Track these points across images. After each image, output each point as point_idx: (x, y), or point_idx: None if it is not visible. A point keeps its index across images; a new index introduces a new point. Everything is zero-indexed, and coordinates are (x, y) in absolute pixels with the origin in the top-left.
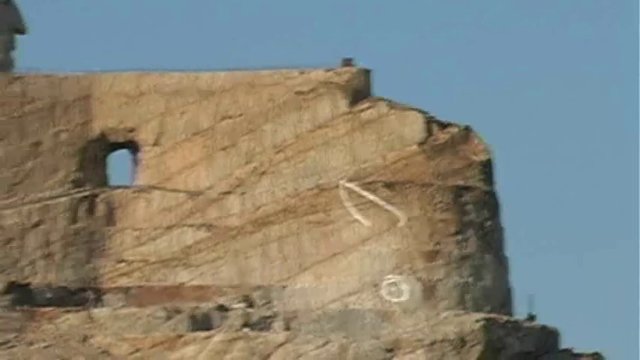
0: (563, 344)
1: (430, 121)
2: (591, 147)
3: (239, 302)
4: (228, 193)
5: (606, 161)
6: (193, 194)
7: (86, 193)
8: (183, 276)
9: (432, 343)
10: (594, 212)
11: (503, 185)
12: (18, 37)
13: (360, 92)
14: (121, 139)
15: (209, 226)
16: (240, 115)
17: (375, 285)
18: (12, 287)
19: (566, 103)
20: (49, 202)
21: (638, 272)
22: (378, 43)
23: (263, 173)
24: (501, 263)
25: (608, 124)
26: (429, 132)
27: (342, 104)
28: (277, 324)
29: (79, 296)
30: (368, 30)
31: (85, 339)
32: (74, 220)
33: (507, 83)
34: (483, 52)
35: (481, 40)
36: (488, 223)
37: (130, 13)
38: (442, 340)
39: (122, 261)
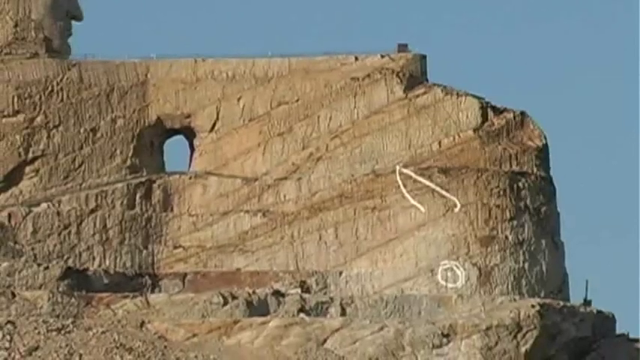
0: (619, 329)
1: (485, 107)
2: None
3: (295, 288)
4: (284, 178)
5: None
6: (249, 180)
7: (143, 179)
8: (239, 261)
9: (488, 329)
10: None
11: (558, 171)
12: (74, 23)
13: (415, 78)
14: (177, 125)
15: (265, 212)
16: (296, 100)
17: (431, 270)
18: (69, 273)
19: (619, 89)
20: (106, 188)
21: None
22: (433, 28)
23: (319, 159)
24: (557, 248)
25: None
26: (485, 117)
27: (398, 90)
28: (333, 309)
29: (136, 282)
30: (423, 15)
31: (142, 324)
32: (131, 205)
33: (562, 69)
34: (538, 38)
35: (536, 27)
36: (544, 208)
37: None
38: (498, 326)
39: (179, 247)
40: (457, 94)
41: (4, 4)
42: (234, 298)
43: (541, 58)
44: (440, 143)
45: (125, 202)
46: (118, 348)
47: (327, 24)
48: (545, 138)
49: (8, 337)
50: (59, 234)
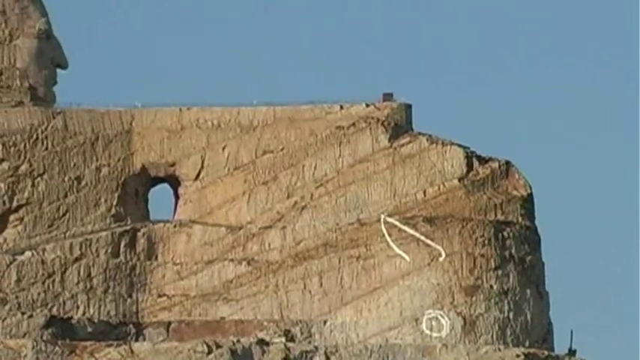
0: None
1: (470, 156)
2: (632, 182)
3: (280, 336)
4: (269, 227)
5: None
6: (234, 229)
7: (127, 228)
8: (223, 310)
9: None
10: (636, 247)
11: (543, 220)
12: (59, 71)
13: (400, 127)
14: (162, 174)
15: (250, 261)
16: (281, 149)
17: (416, 319)
18: (53, 321)
19: (606, 138)
20: (90, 237)
21: None
22: (418, 77)
23: (304, 208)
24: (542, 298)
25: None
26: (470, 167)
27: (383, 139)
28: (318, 358)
29: (120, 330)
30: (408, 65)
31: None
32: (115, 254)
33: (547, 119)
34: (523, 87)
35: (521, 76)
36: (529, 257)
37: (169, 48)
38: None
39: (163, 295)
40: (442, 143)
41: None
42: (218, 347)
43: (526, 108)
44: (425, 192)
45: (109, 250)
46: None
47: (312, 73)
48: (530, 187)
49: None
50: (43, 282)
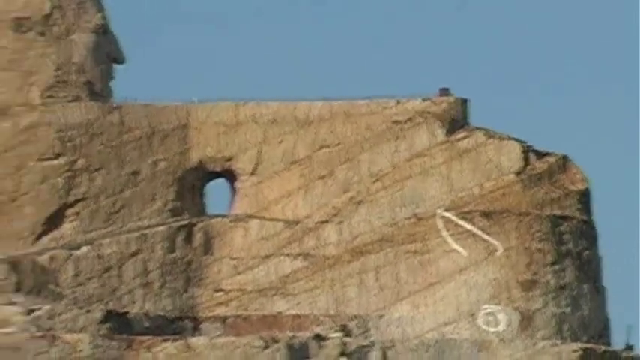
0: None
1: (527, 151)
2: None
3: (336, 331)
4: (326, 222)
5: None
6: (291, 223)
7: (184, 222)
8: (280, 305)
9: None
10: None
11: (600, 214)
12: (116, 67)
13: (457, 121)
14: (218, 169)
15: (306, 255)
16: (338, 144)
17: (472, 314)
18: (110, 316)
19: None
20: (147, 231)
21: None
22: (474, 72)
23: (360, 202)
24: (599, 293)
25: None
26: (526, 161)
27: (439, 133)
28: (374, 353)
29: (177, 325)
30: (464, 59)
31: None
32: (172, 249)
33: (605, 112)
34: (581, 81)
35: (577, 70)
36: (586, 252)
37: (225, 43)
38: None
39: (219, 290)
40: (499, 137)
41: (46, 48)
42: (275, 341)
43: (583, 102)
44: (481, 187)
45: (166, 245)
46: None
47: (369, 67)
48: (588, 182)
49: None
50: (100, 277)
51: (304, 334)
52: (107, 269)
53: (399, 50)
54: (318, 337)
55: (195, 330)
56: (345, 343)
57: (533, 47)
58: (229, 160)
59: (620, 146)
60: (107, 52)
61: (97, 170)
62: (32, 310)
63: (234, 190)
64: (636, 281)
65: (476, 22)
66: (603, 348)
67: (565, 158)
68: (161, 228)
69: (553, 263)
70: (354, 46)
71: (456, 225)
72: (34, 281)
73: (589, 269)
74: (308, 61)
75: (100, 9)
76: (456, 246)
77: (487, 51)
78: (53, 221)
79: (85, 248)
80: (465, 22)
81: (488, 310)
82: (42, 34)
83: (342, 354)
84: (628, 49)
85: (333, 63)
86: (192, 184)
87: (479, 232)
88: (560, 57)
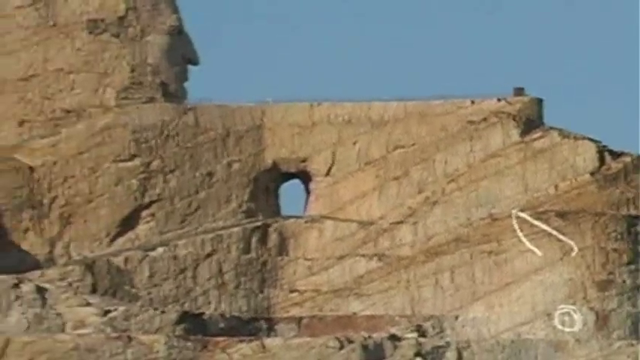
0: None
1: (602, 150)
2: None
3: (411, 332)
4: (400, 222)
5: None
6: (365, 224)
7: (258, 223)
8: (355, 306)
9: None
10: None
11: None
12: (190, 68)
13: (531, 121)
14: (293, 169)
15: (381, 256)
16: (412, 144)
17: (548, 315)
18: (185, 317)
19: None
20: (221, 232)
21: None
22: (549, 72)
23: (435, 203)
24: None
25: None
26: (602, 161)
27: (514, 133)
28: (450, 353)
29: (252, 326)
30: (539, 59)
31: None
32: (247, 249)
33: None
34: None
35: None
36: None
37: (299, 44)
38: None
39: (294, 291)
40: (574, 137)
41: (121, 49)
42: (350, 342)
43: None
44: (557, 187)
45: (241, 246)
46: None
47: (443, 67)
48: None
49: None
50: (175, 278)
51: (379, 335)
52: (182, 270)
53: (474, 50)
54: (394, 338)
55: (271, 331)
56: (420, 344)
57: (608, 46)
58: (304, 161)
59: None
60: (182, 53)
61: (171, 171)
62: (108, 312)
63: (308, 191)
64: None
65: (550, 21)
66: None
67: None
68: (236, 229)
69: (629, 263)
70: (428, 46)
71: (531, 225)
72: (110, 282)
73: None
74: (382, 62)
75: (175, 10)
76: (531, 246)
77: (562, 50)
78: (128, 222)
79: (160, 249)
80: (539, 22)
81: (564, 310)
82: (117, 35)
83: (418, 354)
84: None
85: (407, 63)
86: (267, 185)
87: (554, 232)
88: (635, 55)
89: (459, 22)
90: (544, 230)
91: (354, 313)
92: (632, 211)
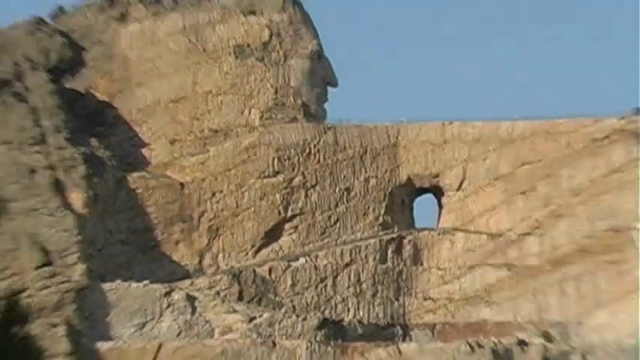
0: None
1: None
2: None
3: (538, 337)
4: (528, 234)
5: None
6: (494, 236)
7: (394, 235)
8: (485, 312)
9: None
10: None
11: None
12: (330, 89)
13: None
14: (426, 185)
15: (509, 266)
16: (539, 161)
17: None
18: (326, 323)
19: None
20: (359, 244)
21: None
22: None
23: (560, 216)
24: None
25: None
26: None
27: (635, 150)
28: (575, 357)
29: (388, 331)
30: None
31: None
32: (383, 260)
33: None
34: None
35: None
36: None
37: (432, 66)
38: None
39: (428, 298)
40: None
41: (265, 73)
42: (480, 347)
43: None
44: None
45: (378, 256)
46: None
47: (568, 88)
48: None
49: None
50: (316, 287)
51: (508, 340)
52: (322, 279)
53: (597, 72)
54: (521, 343)
55: (406, 336)
56: (546, 349)
57: None
58: (436, 176)
59: None
60: (322, 76)
61: (312, 187)
62: (253, 318)
63: (440, 205)
64: None
65: None
66: None
67: None
68: (373, 240)
69: None
70: (553, 68)
71: None
72: (255, 291)
73: None
74: (510, 83)
75: (315, 36)
76: None
77: None
78: (272, 235)
79: (302, 260)
80: None
81: None
82: (261, 60)
83: (545, 359)
84: None
85: (533, 84)
86: (402, 199)
87: None
88: None
89: (583, 44)
90: None
91: (485, 320)
92: None
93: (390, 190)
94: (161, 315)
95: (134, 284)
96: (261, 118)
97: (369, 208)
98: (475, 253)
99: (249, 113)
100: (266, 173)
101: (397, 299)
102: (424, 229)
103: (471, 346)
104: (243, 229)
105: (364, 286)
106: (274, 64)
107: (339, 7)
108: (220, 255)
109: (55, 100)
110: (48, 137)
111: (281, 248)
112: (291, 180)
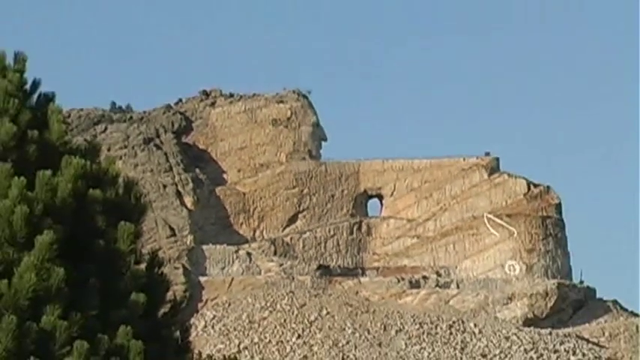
0: None
1: None
2: None
3: (433, 274)
4: (428, 220)
5: None
6: (410, 220)
7: (357, 220)
8: (405, 261)
9: None
10: None
11: None
12: (323, 143)
13: None
14: (374, 193)
15: (418, 236)
16: (434, 180)
17: None
18: (320, 267)
19: None
20: (339, 224)
21: None
22: None
23: (446, 210)
24: None
25: None
26: None
27: (485, 175)
28: (453, 285)
29: (354, 271)
30: None
31: None
32: (351, 233)
33: None
34: None
35: None
36: None
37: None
38: None
39: (375, 254)
40: None
41: (288, 133)
42: (402, 279)
43: None
44: None
45: (349, 231)
46: None
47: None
48: None
49: None
50: (315, 247)
51: (418, 275)
52: (319, 244)
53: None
54: (424, 277)
55: (363, 274)
56: (438, 280)
57: None
58: (379, 189)
59: None
60: (318, 135)
61: (313, 194)
62: (281, 264)
63: (382, 204)
64: None
65: None
66: None
67: None
68: (346, 223)
69: None
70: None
71: None
72: (283, 250)
73: None
74: (417, 128)
75: (314, 113)
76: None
77: None
78: (292, 220)
79: (308, 233)
80: None
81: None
82: (286, 126)
83: (437, 285)
84: None
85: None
86: (361, 201)
87: None
88: None
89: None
90: None
91: (405, 265)
92: None
93: (355, 196)
94: (233, 262)
95: (219, 246)
96: (286, 157)
97: (344, 206)
98: (400, 229)
99: (280, 154)
100: (289, 187)
101: (358, 254)
102: (373, 216)
103: (397, 280)
104: (276, 217)
105: (341, 247)
106: (293, 129)
107: (331, 97)
108: (264, 230)
109: (177, 148)
110: (173, 167)
111: (296, 226)
112: (302, 191)
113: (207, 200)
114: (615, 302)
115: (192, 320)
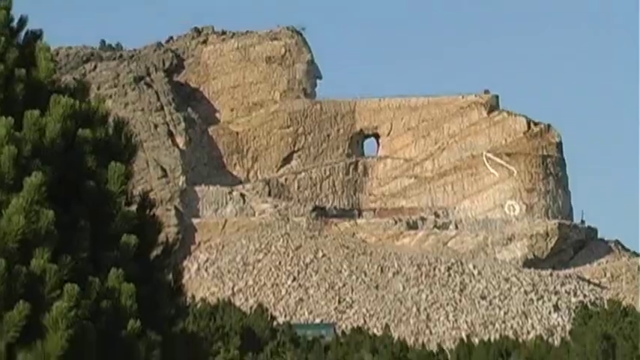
0: None
1: None
2: None
3: (431, 215)
4: (425, 159)
5: None
6: (407, 160)
7: (353, 160)
8: (403, 202)
9: None
10: None
11: None
12: (318, 81)
13: None
14: (370, 133)
15: (416, 176)
16: (431, 119)
17: None
18: (316, 208)
19: None
20: (335, 165)
21: None
22: None
23: (444, 149)
24: None
25: None
26: None
27: (484, 113)
28: (452, 226)
29: (350, 212)
30: None
31: None
32: (347, 173)
33: None
34: None
35: None
36: None
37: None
38: None
39: (372, 194)
40: None
41: (282, 71)
42: (400, 220)
43: None
44: None
45: (345, 171)
46: None
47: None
48: None
49: None
50: (311, 188)
51: (415, 216)
52: (314, 184)
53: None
54: (422, 218)
55: (360, 215)
56: (436, 221)
57: None
58: (376, 128)
59: None
60: (313, 73)
61: (309, 133)
62: (276, 205)
63: (378, 143)
64: None
65: None
66: None
67: None
68: (342, 163)
69: None
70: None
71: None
72: (277, 190)
73: None
74: (419, 68)
75: (309, 51)
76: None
77: None
78: (287, 159)
79: (303, 174)
80: None
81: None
82: (280, 64)
83: (435, 226)
84: None
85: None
86: (357, 140)
87: None
88: None
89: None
90: None
91: (402, 206)
92: None
93: (351, 135)
94: (226, 203)
95: (212, 187)
96: (280, 95)
97: (340, 145)
98: (397, 169)
99: (274, 93)
100: (283, 126)
101: (355, 194)
102: (369, 156)
103: (395, 221)
104: (270, 157)
105: (337, 188)
106: (287, 67)
107: (325, 34)
108: (258, 171)
109: (168, 86)
110: (165, 106)
111: (291, 167)
112: (297, 130)
113: (199, 140)
114: (617, 242)
115: (185, 263)
